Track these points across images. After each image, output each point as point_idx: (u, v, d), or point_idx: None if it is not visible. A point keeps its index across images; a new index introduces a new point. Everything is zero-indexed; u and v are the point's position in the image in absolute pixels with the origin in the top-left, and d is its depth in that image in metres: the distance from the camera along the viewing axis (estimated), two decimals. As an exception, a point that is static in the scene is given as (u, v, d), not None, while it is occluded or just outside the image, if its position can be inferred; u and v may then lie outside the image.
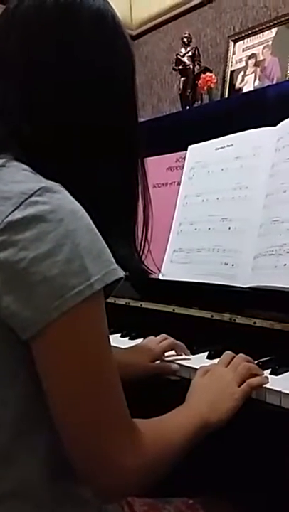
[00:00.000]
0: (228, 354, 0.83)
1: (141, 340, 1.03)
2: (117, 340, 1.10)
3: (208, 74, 1.69)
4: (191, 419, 0.67)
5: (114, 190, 0.64)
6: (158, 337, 0.98)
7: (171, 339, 0.97)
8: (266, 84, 1.61)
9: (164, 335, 0.99)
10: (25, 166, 0.56)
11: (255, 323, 0.94)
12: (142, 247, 0.70)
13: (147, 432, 0.58)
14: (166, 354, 0.96)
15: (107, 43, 0.62)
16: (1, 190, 0.53)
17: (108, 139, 0.63)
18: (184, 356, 0.95)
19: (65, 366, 0.52)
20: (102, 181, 0.63)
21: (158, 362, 0.95)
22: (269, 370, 0.83)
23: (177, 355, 0.96)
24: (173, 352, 0.96)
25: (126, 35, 0.66)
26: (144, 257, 0.71)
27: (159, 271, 1.04)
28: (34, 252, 0.50)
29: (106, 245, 0.55)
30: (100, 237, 0.54)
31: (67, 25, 0.60)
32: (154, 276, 1.12)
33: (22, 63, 0.59)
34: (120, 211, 0.66)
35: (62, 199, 0.53)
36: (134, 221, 0.69)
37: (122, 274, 0.55)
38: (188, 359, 0.95)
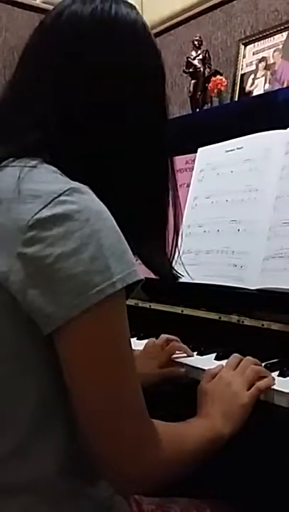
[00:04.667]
0: (235, 357, 0.83)
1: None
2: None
3: (218, 77, 1.70)
4: (208, 432, 0.67)
5: (145, 194, 0.66)
6: (158, 340, 0.98)
7: (174, 342, 0.97)
8: (276, 88, 1.61)
9: (164, 336, 0.98)
10: (55, 169, 0.58)
11: (263, 325, 0.94)
12: (173, 252, 0.71)
13: (165, 432, 0.59)
14: (172, 356, 0.96)
15: (140, 53, 0.65)
16: (32, 189, 0.54)
17: (138, 142, 0.64)
18: (188, 354, 0.96)
19: (86, 362, 0.53)
20: (132, 185, 0.64)
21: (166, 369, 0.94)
22: (277, 372, 0.83)
23: (181, 353, 0.96)
24: (178, 352, 0.97)
25: (156, 44, 0.68)
26: (174, 262, 0.72)
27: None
28: (60, 248, 0.51)
29: (128, 247, 0.56)
30: (123, 238, 0.56)
31: (103, 39, 0.62)
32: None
33: (58, 78, 0.61)
34: (151, 215, 0.68)
35: (89, 200, 0.54)
36: (165, 226, 0.70)
37: (142, 276, 0.56)
38: (192, 356, 0.95)
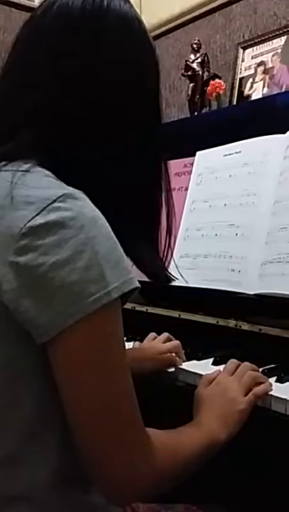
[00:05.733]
0: (232, 362, 0.82)
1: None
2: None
3: (217, 80, 1.70)
4: (204, 439, 0.67)
5: (138, 195, 0.65)
6: (161, 336, 0.99)
7: (177, 341, 0.97)
8: (275, 92, 1.61)
9: (166, 334, 0.99)
10: (48, 172, 0.56)
11: (260, 330, 0.94)
12: (166, 254, 0.70)
13: (160, 441, 0.58)
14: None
15: (133, 48, 0.63)
16: (25, 195, 0.53)
17: (132, 142, 0.63)
18: (181, 359, 0.96)
19: (80, 373, 0.52)
20: (126, 186, 0.63)
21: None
22: (274, 378, 0.82)
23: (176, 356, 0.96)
24: (174, 354, 0.97)
25: (151, 40, 0.66)
26: (166, 263, 0.71)
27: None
28: (54, 257, 0.50)
29: (124, 254, 0.55)
30: (119, 245, 0.55)
31: (94, 32, 0.60)
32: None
33: (48, 71, 0.59)
34: (144, 217, 0.67)
35: (83, 206, 0.53)
36: (157, 227, 0.69)
37: (137, 283, 0.55)
38: (184, 361, 0.95)
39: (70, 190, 0.54)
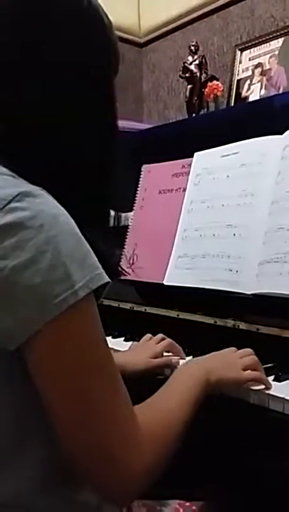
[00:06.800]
0: (234, 348, 0.83)
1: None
2: (121, 344, 1.10)
3: (214, 82, 1.71)
4: (190, 381, 0.67)
5: (95, 190, 0.62)
6: (156, 337, 0.99)
7: (169, 339, 0.97)
8: (272, 94, 1.62)
9: (161, 335, 0.99)
10: (4, 170, 0.54)
11: (258, 329, 0.94)
12: (132, 254, 0.69)
13: (149, 429, 0.56)
14: (165, 355, 0.97)
15: (84, 34, 0.59)
16: None
17: (85, 139, 0.60)
18: (181, 357, 0.96)
19: (57, 375, 0.50)
20: (82, 182, 0.60)
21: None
22: (272, 377, 0.83)
23: (174, 355, 0.97)
24: (170, 354, 0.97)
25: (104, 18, 0.62)
26: (132, 260, 0.69)
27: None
28: (14, 260, 0.48)
29: (91, 249, 0.53)
30: (84, 241, 0.52)
31: (42, 19, 0.57)
32: (158, 281, 1.13)
33: None
34: (100, 210, 0.64)
35: (42, 204, 0.51)
36: (108, 215, 0.66)
37: (107, 278, 0.53)
38: (184, 359, 0.95)
39: (27, 188, 0.51)
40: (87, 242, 0.53)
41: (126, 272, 0.73)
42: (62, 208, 0.52)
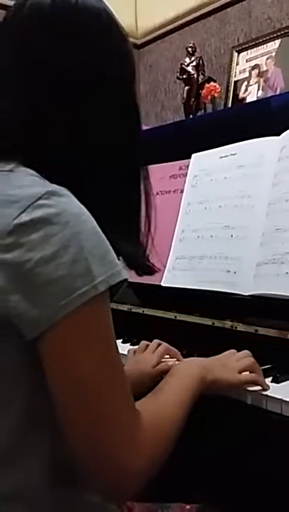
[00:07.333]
0: (233, 350, 0.84)
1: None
2: (119, 346, 1.09)
3: (212, 83, 1.71)
4: (188, 379, 0.69)
5: (117, 194, 0.65)
6: (151, 344, 0.97)
7: (164, 344, 0.96)
8: (269, 95, 1.63)
9: (156, 341, 0.98)
10: (32, 171, 0.57)
11: (256, 330, 0.94)
12: (146, 245, 0.71)
13: (146, 414, 0.58)
14: (163, 360, 0.96)
15: (106, 49, 0.62)
16: (9, 194, 0.54)
17: (107, 144, 0.63)
18: (178, 359, 0.95)
19: (70, 365, 0.52)
20: (105, 186, 0.63)
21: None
22: (270, 378, 0.83)
23: (171, 358, 0.96)
24: (168, 356, 0.97)
25: (125, 37, 0.65)
26: (149, 254, 0.71)
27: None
28: (40, 253, 0.51)
29: (111, 247, 0.55)
30: (105, 239, 0.55)
31: (63, 31, 0.60)
32: (155, 282, 1.13)
33: (20, 71, 0.60)
34: (123, 213, 0.67)
35: (67, 202, 0.54)
36: (137, 222, 0.69)
37: (126, 275, 0.56)
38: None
39: (54, 187, 0.54)
40: (113, 243, 0.56)
41: (156, 268, 0.75)
42: (84, 208, 0.55)
